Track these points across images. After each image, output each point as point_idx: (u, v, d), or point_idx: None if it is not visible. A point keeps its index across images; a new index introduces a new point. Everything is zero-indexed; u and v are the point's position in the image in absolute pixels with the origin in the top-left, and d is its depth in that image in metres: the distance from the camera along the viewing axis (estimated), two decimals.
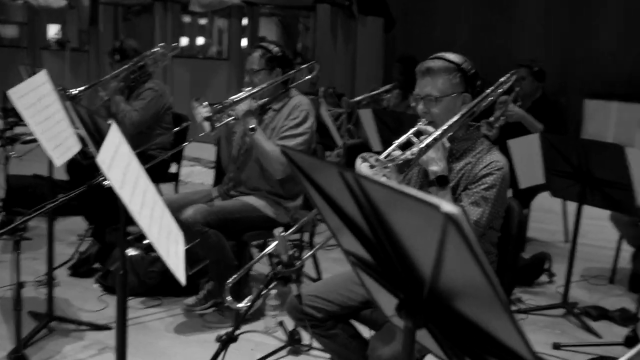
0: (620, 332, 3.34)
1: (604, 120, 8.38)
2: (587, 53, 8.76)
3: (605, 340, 3.27)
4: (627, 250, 4.09)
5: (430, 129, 2.18)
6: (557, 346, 3.16)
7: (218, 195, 3.42)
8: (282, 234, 1.89)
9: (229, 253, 3.14)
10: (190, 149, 4.63)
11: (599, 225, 4.33)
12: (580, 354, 3.12)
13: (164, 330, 3.19)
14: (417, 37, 9.35)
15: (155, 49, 4.44)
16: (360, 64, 8.74)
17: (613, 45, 8.68)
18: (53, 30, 10.22)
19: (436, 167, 2.14)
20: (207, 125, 2.93)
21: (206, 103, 2.93)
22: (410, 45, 9.06)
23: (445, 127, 2.12)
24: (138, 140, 4.10)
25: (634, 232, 3.88)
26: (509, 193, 2.35)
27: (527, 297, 3.78)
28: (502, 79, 2.40)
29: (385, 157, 2.01)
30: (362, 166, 2.01)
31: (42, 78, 2.71)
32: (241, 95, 3.12)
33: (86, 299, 3.47)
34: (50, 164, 2.89)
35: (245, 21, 8.40)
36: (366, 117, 4.48)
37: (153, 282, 3.49)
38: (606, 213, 3.81)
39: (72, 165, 4.13)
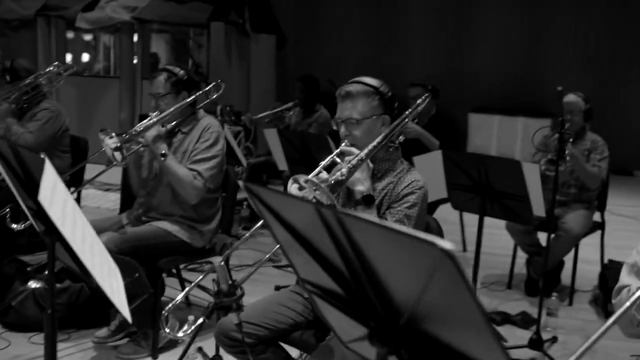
0: (522, 334, 3.55)
1: (487, 133, 8.93)
2: (470, 69, 9.32)
3: (511, 343, 3.46)
4: (522, 257, 4.36)
5: (354, 150, 2.25)
6: None
7: (128, 222, 3.31)
8: (222, 263, 1.87)
9: (144, 280, 3.04)
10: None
11: (495, 234, 4.58)
12: None
13: None
14: (308, 55, 9.54)
15: (50, 68, 4.24)
16: (255, 81, 8.74)
17: (490, 62, 9.30)
18: None
19: (362, 187, 2.21)
20: (118, 155, 2.85)
21: (114, 134, 2.86)
22: (302, 62, 9.23)
23: (370, 147, 2.20)
24: None
25: (528, 239, 4.16)
26: None
27: None
28: (418, 101, 2.51)
29: (315, 178, 2.05)
30: (292, 188, 2.04)
31: None
32: (148, 121, 3.06)
33: None
34: None
35: (136, 38, 8.19)
36: (271, 136, 4.49)
37: (59, 314, 3.30)
38: (502, 223, 4.05)
39: None
